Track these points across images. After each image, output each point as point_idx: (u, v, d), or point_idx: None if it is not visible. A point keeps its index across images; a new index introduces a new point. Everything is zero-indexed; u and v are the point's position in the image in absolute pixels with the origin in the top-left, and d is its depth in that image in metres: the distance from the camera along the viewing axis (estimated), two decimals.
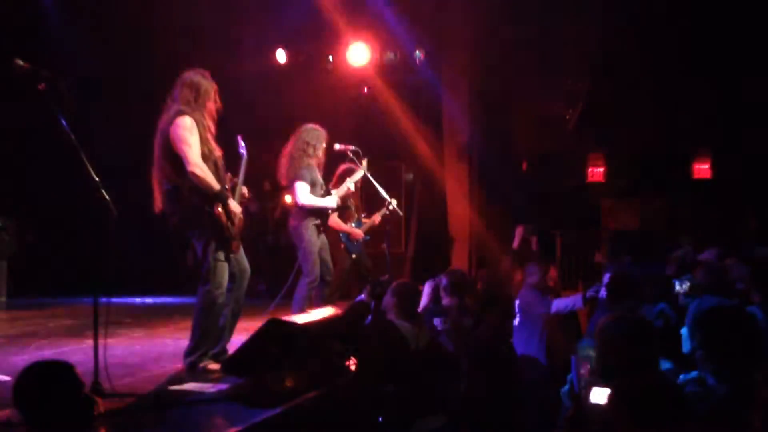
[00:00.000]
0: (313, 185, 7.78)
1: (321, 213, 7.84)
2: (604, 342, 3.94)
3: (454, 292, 6.55)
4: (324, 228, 7.88)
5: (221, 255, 6.33)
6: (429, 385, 4.90)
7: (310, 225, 7.70)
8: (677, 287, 6.32)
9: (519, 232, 10.16)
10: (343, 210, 8.90)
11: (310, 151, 7.86)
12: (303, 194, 7.60)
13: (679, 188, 13.77)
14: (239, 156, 6.75)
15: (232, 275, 6.45)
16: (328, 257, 7.86)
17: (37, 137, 10.69)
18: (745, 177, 13.23)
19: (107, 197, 5.36)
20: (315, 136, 7.93)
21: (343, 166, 8.92)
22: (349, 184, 8.18)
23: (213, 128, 6.44)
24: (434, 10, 12.10)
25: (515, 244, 10.13)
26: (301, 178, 7.64)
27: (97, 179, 5.36)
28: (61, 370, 3.37)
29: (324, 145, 7.95)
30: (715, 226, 12.36)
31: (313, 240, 7.66)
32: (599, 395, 3.79)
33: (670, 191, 13.47)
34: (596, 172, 14.73)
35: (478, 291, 8.15)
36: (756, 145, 13.02)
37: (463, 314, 6.39)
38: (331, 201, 7.88)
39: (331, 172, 9.38)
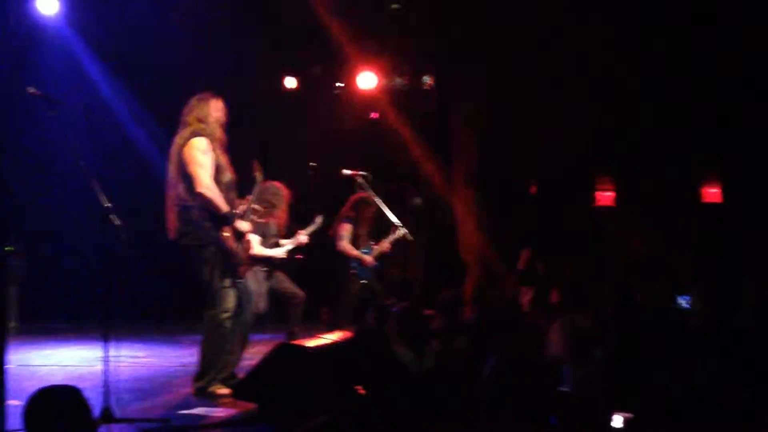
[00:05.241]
0: (264, 237, 8.14)
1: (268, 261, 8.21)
2: None
3: (444, 313, 6.57)
4: (270, 274, 8.28)
5: (228, 279, 6.37)
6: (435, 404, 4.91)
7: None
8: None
9: (524, 254, 10.18)
10: (355, 237, 9.03)
11: (268, 209, 8.13)
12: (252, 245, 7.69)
13: (688, 212, 13.73)
14: (252, 180, 6.81)
15: (238, 299, 6.49)
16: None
17: (49, 161, 10.82)
18: (755, 201, 13.18)
19: (117, 222, 5.41)
20: (276, 197, 8.25)
21: (357, 196, 9.06)
22: (301, 237, 8.57)
23: (224, 148, 6.52)
24: (441, 36, 12.15)
25: (520, 265, 10.14)
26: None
27: (108, 204, 5.41)
28: (69, 395, 3.40)
29: (285, 204, 8.36)
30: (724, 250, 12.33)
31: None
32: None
33: (679, 215, 13.43)
34: (605, 196, 14.70)
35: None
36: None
37: (454, 336, 6.39)
38: (279, 251, 8.29)
39: (342, 197, 9.45)
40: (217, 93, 6.65)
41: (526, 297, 8.59)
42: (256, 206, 6.77)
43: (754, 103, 12.50)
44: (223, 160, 6.47)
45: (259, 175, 6.79)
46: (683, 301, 7.04)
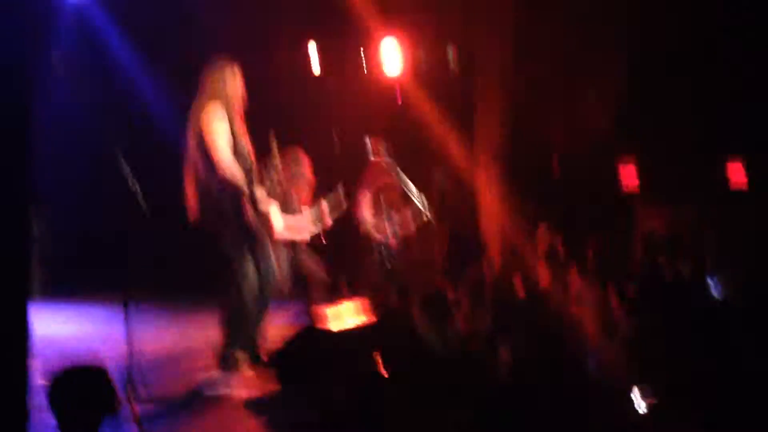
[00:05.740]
0: (285, 207, 7.94)
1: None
2: None
3: (469, 292, 6.54)
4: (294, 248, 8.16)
5: (249, 256, 6.33)
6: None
7: None
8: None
9: (541, 230, 10.12)
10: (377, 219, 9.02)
11: (292, 178, 8.09)
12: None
13: (713, 195, 13.61)
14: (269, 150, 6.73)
15: (260, 276, 6.46)
16: None
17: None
18: None
19: (141, 196, 5.39)
20: (297, 164, 8.17)
21: (380, 180, 9.04)
22: (324, 207, 8.41)
23: (242, 119, 6.44)
24: (467, 10, 12.06)
25: (540, 246, 10.09)
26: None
27: (132, 179, 5.40)
28: (94, 375, 3.38)
29: (307, 172, 8.28)
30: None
31: None
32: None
33: (703, 197, 13.32)
34: (629, 176, 14.60)
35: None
36: None
37: (479, 315, 6.36)
38: (304, 233, 8.24)
39: (363, 172, 9.42)
40: (235, 61, 6.56)
41: (543, 274, 8.52)
42: (274, 175, 6.68)
43: None
44: (241, 129, 6.39)
45: (275, 146, 6.69)
46: (711, 282, 6.98)
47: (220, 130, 6.18)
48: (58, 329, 8.50)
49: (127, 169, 5.46)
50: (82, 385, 3.29)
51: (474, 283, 6.74)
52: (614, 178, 14.55)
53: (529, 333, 5.44)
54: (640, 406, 3.88)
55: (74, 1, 11.00)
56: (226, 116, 6.26)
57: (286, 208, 8.03)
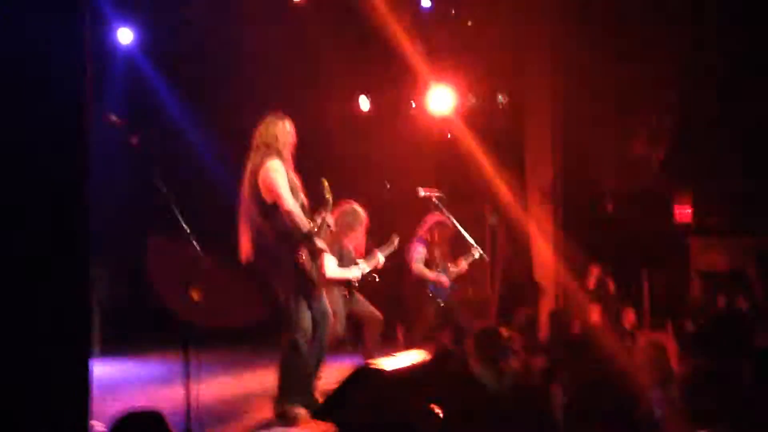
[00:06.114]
0: (340, 259, 8.07)
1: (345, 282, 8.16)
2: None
3: (521, 332, 6.52)
4: (350, 295, 8.21)
5: (304, 302, 6.40)
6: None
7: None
8: None
9: (594, 271, 10.05)
10: (430, 258, 9.04)
11: (345, 230, 8.13)
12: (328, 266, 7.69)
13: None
14: (323, 200, 6.81)
15: (314, 321, 6.51)
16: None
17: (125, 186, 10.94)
18: None
19: (198, 247, 5.49)
20: (354, 218, 8.22)
21: (433, 219, 9.07)
22: (379, 257, 8.46)
23: (295, 170, 6.55)
24: (517, 54, 12.12)
25: (591, 284, 10.02)
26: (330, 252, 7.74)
27: (188, 230, 5.50)
28: (152, 420, 3.44)
29: (363, 225, 8.28)
30: None
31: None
32: None
33: (760, 230, 13.15)
34: (683, 212, 14.47)
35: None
36: None
37: (531, 354, 6.34)
38: (355, 272, 8.17)
39: (416, 217, 9.46)
40: (286, 114, 6.68)
41: (594, 315, 8.47)
42: (328, 222, 6.76)
43: None
44: (296, 181, 6.51)
45: (328, 194, 6.76)
46: None
47: (283, 182, 6.30)
48: (119, 380, 8.61)
49: (182, 220, 5.57)
50: (141, 429, 3.36)
51: (527, 323, 6.72)
52: (668, 214, 14.43)
53: (580, 374, 5.41)
54: None
55: (126, 47, 11.27)
56: (285, 167, 6.38)
57: (341, 259, 8.11)
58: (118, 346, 10.73)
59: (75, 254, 4.20)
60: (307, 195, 6.60)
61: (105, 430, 3.50)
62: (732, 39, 11.72)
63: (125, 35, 11.09)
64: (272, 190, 6.26)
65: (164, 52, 11.53)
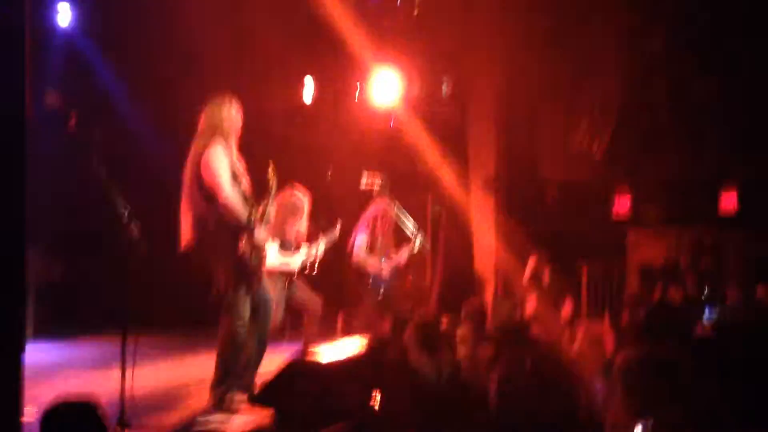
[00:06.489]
0: (282, 245, 8.19)
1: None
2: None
3: (471, 320, 6.54)
4: (289, 282, 8.30)
5: (243, 288, 6.36)
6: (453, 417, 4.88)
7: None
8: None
9: (532, 262, 10.13)
10: (372, 247, 9.04)
11: (287, 216, 8.28)
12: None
13: (706, 220, 13.66)
14: (267, 185, 6.75)
15: (254, 308, 6.47)
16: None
17: (64, 168, 10.77)
18: None
19: (136, 231, 5.42)
20: (296, 204, 8.35)
21: (375, 207, 9.07)
22: (320, 245, 8.60)
23: (240, 154, 6.50)
24: (460, 43, 12.14)
25: (527, 274, 10.11)
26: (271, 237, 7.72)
27: (126, 213, 5.42)
28: (85, 410, 3.38)
29: (305, 211, 8.40)
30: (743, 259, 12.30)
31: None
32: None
33: (697, 223, 13.36)
34: (622, 204, 14.67)
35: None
36: None
37: (479, 343, 6.37)
38: (296, 260, 8.32)
39: (359, 204, 9.46)
40: (231, 98, 6.61)
41: (531, 305, 8.54)
42: (271, 210, 6.71)
43: None
44: (239, 167, 6.45)
45: (273, 180, 6.71)
46: (707, 311, 7.03)
47: (222, 167, 6.22)
48: (53, 366, 8.49)
49: (122, 204, 5.49)
50: (72, 419, 3.30)
51: (477, 311, 6.73)
52: (608, 206, 14.60)
53: (514, 362, 5.44)
54: (638, 429, 3.85)
55: (65, 29, 11.03)
56: (227, 153, 6.31)
57: (282, 246, 8.08)
58: (52, 328, 10.59)
59: (8, 234, 4.13)
60: (251, 180, 6.54)
61: (37, 418, 3.42)
62: (673, 31, 11.86)
63: (64, 16, 10.85)
64: (211, 178, 6.20)
65: (102, 33, 11.33)
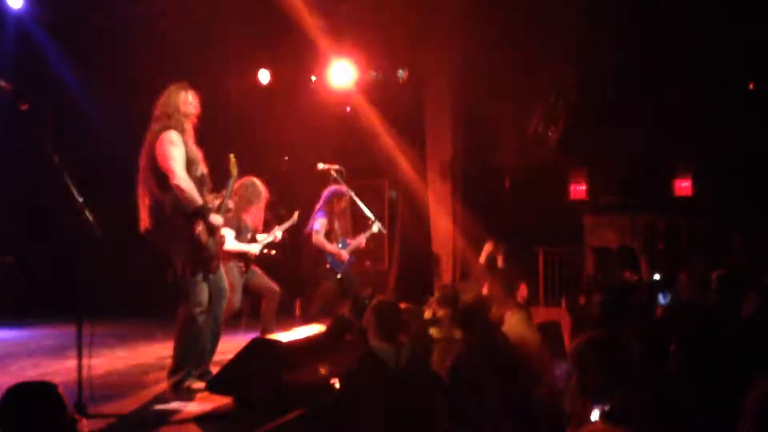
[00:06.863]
0: (239, 232, 8.07)
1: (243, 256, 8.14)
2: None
3: (445, 304, 6.60)
4: (246, 268, 8.20)
5: (200, 274, 6.35)
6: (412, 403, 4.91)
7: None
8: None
9: (487, 247, 10.19)
10: (329, 231, 9.03)
11: (244, 204, 8.14)
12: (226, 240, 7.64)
13: (661, 205, 13.83)
14: (227, 174, 6.74)
15: (211, 294, 6.47)
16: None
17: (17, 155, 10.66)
18: (725, 194, 13.31)
19: (90, 218, 5.37)
20: (253, 192, 8.23)
21: (330, 190, 9.05)
22: (277, 233, 8.60)
23: (196, 141, 6.48)
24: (416, 30, 12.14)
25: (481, 259, 10.17)
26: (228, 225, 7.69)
27: (81, 200, 5.37)
28: (44, 391, 3.36)
29: (262, 200, 8.32)
30: (697, 243, 12.46)
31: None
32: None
33: (652, 208, 13.53)
34: (578, 189, 14.82)
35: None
36: (736, 162, 13.20)
37: (453, 326, 6.42)
38: (253, 246, 8.22)
39: (316, 191, 9.43)
40: (187, 85, 6.59)
41: (485, 289, 8.59)
42: (230, 200, 6.73)
43: (726, 99, 12.67)
44: (196, 153, 6.43)
45: (233, 169, 6.73)
46: (661, 296, 7.10)
47: (177, 155, 6.20)
48: (8, 350, 8.42)
49: (75, 190, 5.43)
50: (30, 403, 3.28)
51: (451, 295, 6.78)
52: (564, 192, 14.75)
53: (470, 345, 5.49)
54: (594, 414, 3.89)
55: (16, 11, 10.92)
56: (182, 141, 6.28)
57: (239, 232, 8.07)
58: (6, 314, 10.51)
59: None
60: (208, 167, 6.52)
61: None
62: (629, 18, 11.95)
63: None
64: (164, 162, 6.17)
65: (55, 17, 11.21)
